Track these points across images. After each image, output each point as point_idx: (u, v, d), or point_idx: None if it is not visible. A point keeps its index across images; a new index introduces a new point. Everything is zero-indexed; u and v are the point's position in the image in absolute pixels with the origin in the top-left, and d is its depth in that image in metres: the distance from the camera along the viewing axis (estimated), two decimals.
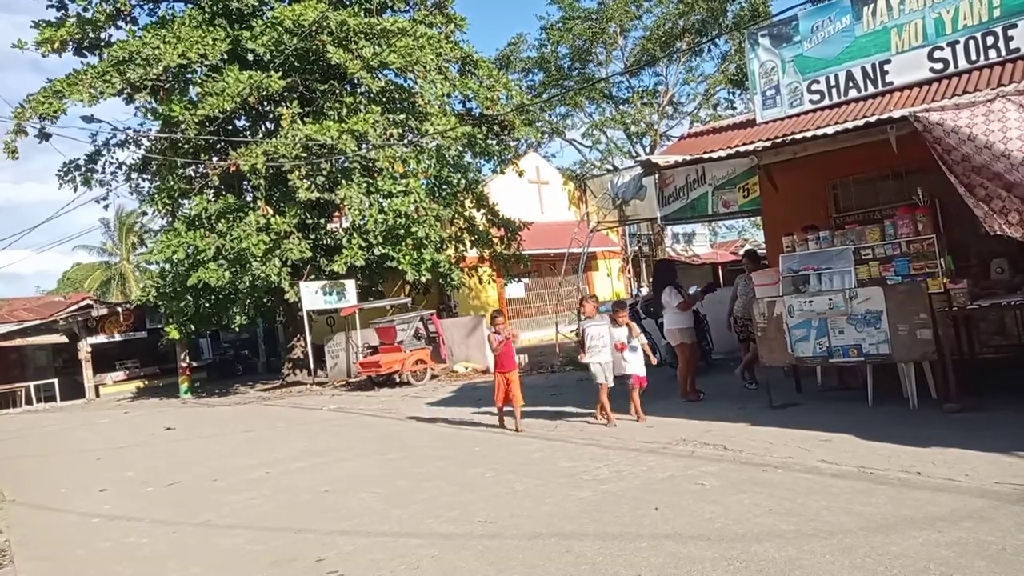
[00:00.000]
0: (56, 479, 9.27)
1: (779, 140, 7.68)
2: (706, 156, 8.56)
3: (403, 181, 17.05)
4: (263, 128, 18.74)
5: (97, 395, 24.30)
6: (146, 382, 25.57)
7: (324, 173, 16.72)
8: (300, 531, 5.39)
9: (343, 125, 16.26)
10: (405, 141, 17.88)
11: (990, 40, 8.14)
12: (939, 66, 8.53)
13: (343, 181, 16.88)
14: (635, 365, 8.16)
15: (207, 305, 18.93)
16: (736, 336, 10.07)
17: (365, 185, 17.13)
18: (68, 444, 12.95)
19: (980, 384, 7.28)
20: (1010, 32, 7.99)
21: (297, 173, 15.95)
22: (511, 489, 5.86)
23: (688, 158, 8.82)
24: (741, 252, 19.17)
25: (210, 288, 17.38)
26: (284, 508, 6.21)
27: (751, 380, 9.44)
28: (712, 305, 12.01)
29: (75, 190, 18.65)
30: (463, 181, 19.80)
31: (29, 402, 23.98)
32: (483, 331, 17.71)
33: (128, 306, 26.57)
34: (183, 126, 16.02)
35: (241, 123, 19.23)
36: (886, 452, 5.58)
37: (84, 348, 24.31)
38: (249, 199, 17.87)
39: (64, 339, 24.76)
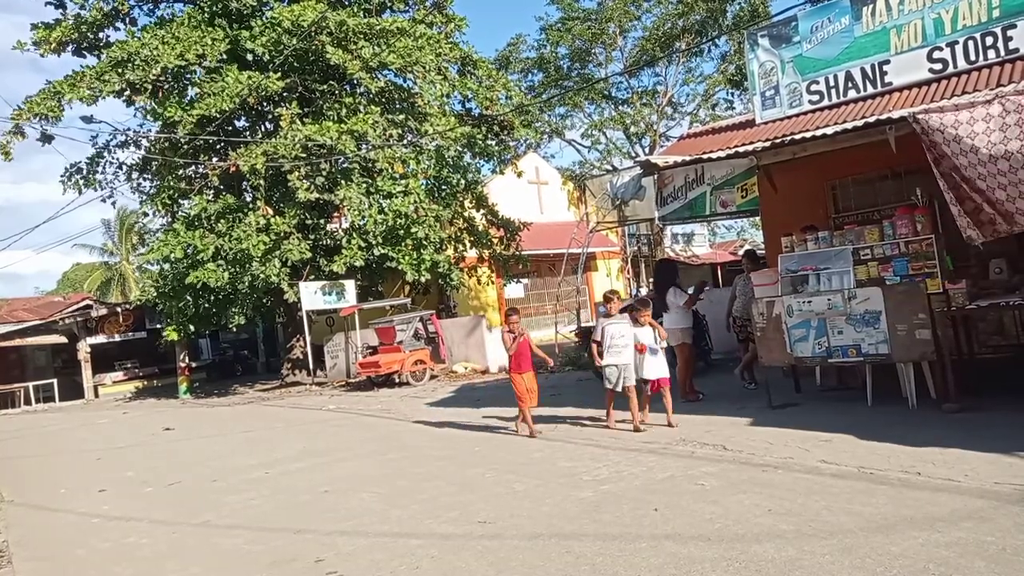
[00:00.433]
0: (55, 479, 9.26)
1: (778, 140, 7.69)
2: (705, 156, 8.58)
3: (403, 181, 17.05)
4: (263, 128, 18.75)
5: (96, 395, 24.29)
6: (145, 382, 25.56)
7: (324, 173, 16.72)
8: (300, 531, 5.39)
9: (342, 125, 16.26)
10: (405, 141, 17.88)
11: (989, 40, 8.15)
12: (938, 66, 8.54)
13: (343, 181, 16.88)
14: (658, 367, 7.65)
15: (206, 305, 18.91)
16: (735, 336, 10.08)
17: (365, 185, 17.13)
18: (67, 444, 12.94)
19: (979, 384, 7.28)
20: (1009, 32, 8.00)
21: (297, 173, 15.95)
22: (511, 489, 5.86)
23: (687, 158, 8.83)
24: (740, 252, 19.19)
25: (209, 288, 17.37)
26: (283, 508, 6.21)
27: (750, 380, 9.45)
28: (711, 305, 12.02)
29: (79, 193, 18.67)
30: (463, 181, 19.80)
31: (28, 402, 23.95)
32: (482, 331, 17.74)
33: (127, 306, 26.58)
34: (180, 127, 16.01)
35: (241, 123, 19.24)
36: (885, 452, 5.58)
37: (83, 348, 24.29)
38: (249, 199, 17.86)
39: (63, 339, 24.74)
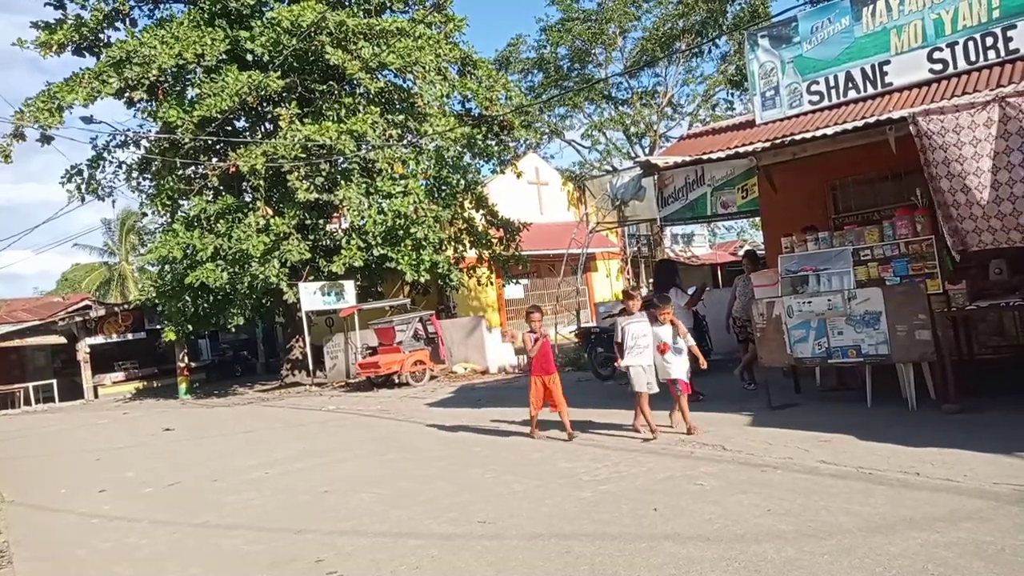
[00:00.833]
0: (55, 480, 9.26)
1: (778, 141, 7.69)
2: (705, 157, 8.58)
3: (402, 182, 17.04)
4: (262, 129, 18.74)
5: (96, 396, 24.28)
6: (145, 383, 25.57)
7: (323, 174, 16.72)
8: (300, 532, 5.39)
9: (342, 126, 16.26)
10: (404, 142, 17.88)
11: (989, 41, 8.15)
12: (938, 67, 8.54)
13: (342, 182, 16.88)
14: (680, 368, 7.21)
15: (205, 306, 18.92)
16: (735, 337, 10.08)
17: (364, 186, 17.12)
18: (67, 445, 12.94)
19: (979, 385, 7.29)
20: (1009, 33, 8.00)
21: (296, 174, 15.95)
22: (511, 490, 5.86)
23: (687, 159, 8.82)
24: (740, 253, 19.20)
25: (208, 288, 17.37)
26: (283, 509, 6.21)
27: (750, 381, 9.45)
28: (711, 306, 12.02)
29: (82, 201, 18.67)
30: (462, 182, 19.78)
31: (28, 403, 23.96)
32: (482, 332, 17.73)
33: (127, 307, 26.57)
34: (181, 129, 16.01)
35: (240, 124, 19.24)
36: (885, 453, 5.58)
37: (83, 349, 24.29)
38: (248, 200, 17.87)
39: (63, 340, 24.75)
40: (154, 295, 19.36)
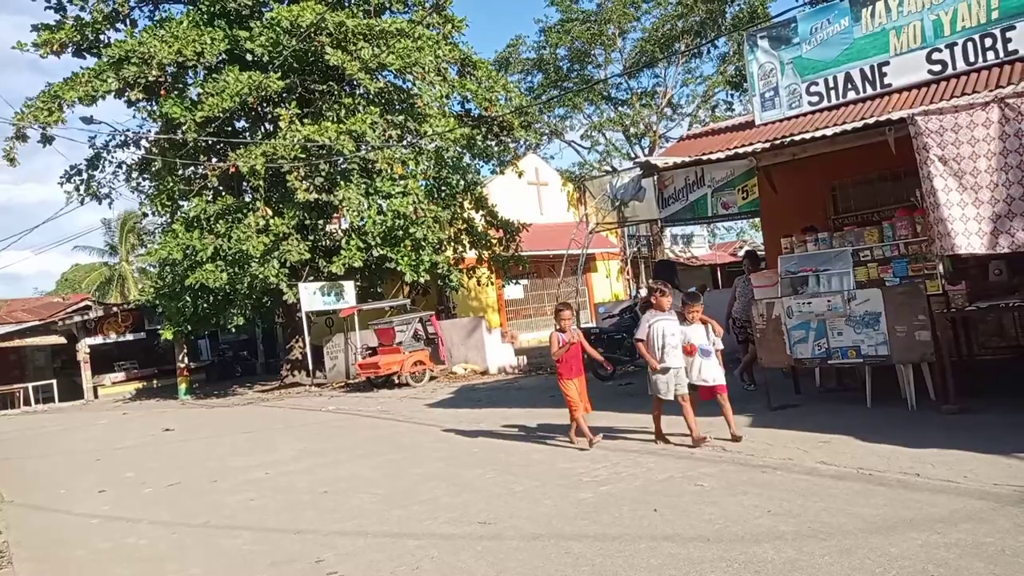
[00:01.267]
0: (55, 480, 9.26)
1: (778, 141, 7.70)
2: (705, 157, 8.58)
3: (402, 182, 17.05)
4: (262, 129, 18.75)
5: (96, 396, 24.28)
6: (144, 383, 25.57)
7: (323, 174, 16.73)
8: (300, 532, 5.39)
9: (342, 126, 16.27)
10: (404, 142, 17.89)
11: (988, 42, 8.15)
12: (938, 68, 8.55)
13: (342, 182, 16.89)
14: (714, 371, 6.70)
15: (205, 306, 18.94)
16: (735, 337, 10.08)
17: (364, 186, 17.14)
18: (67, 445, 12.93)
19: (978, 386, 7.29)
20: (1008, 34, 8.00)
21: (296, 174, 15.96)
22: (510, 490, 5.86)
23: (687, 159, 8.83)
24: (740, 254, 19.21)
25: (208, 289, 17.38)
26: (283, 509, 6.21)
27: (750, 381, 9.45)
28: (711, 307, 12.00)
29: (82, 203, 18.71)
30: (462, 182, 19.81)
31: (28, 403, 23.96)
32: (481, 332, 17.73)
33: (127, 307, 26.56)
34: (183, 129, 16.02)
35: (240, 124, 19.24)
36: (885, 453, 5.58)
37: (83, 349, 24.28)
38: (248, 200, 17.88)
39: (63, 340, 24.74)
40: (153, 295, 19.35)
